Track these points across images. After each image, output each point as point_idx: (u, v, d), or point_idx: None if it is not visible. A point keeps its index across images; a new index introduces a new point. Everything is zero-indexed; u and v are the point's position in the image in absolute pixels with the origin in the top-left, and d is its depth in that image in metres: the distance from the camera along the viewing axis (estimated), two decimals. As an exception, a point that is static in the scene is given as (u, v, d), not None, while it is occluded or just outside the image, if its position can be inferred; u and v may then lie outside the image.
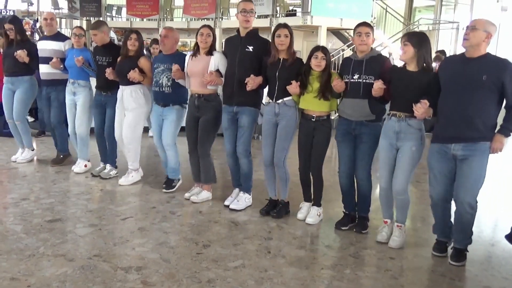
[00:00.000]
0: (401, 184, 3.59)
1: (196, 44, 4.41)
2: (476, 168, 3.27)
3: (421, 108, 3.33)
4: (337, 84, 3.78)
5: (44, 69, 5.41)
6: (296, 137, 4.14)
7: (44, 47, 5.43)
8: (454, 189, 3.38)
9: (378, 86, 3.55)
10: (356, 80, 3.77)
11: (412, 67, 3.53)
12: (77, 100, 5.30)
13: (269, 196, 4.37)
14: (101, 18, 17.46)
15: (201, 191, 4.63)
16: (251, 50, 4.16)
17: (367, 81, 3.72)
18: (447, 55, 8.87)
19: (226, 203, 4.46)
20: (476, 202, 3.33)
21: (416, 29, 13.64)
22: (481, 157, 3.27)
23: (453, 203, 3.46)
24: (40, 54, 5.43)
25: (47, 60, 5.32)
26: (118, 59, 4.91)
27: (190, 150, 4.61)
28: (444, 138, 3.37)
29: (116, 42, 12.41)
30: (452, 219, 3.51)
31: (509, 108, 3.28)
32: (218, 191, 4.81)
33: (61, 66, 5.28)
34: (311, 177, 4.13)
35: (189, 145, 4.61)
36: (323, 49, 3.93)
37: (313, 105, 3.96)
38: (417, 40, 3.49)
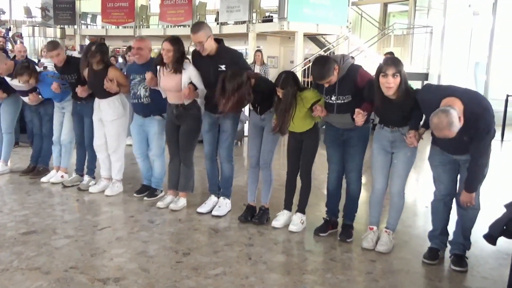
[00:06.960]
0: (398, 188, 3.65)
1: (160, 54, 4.24)
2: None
3: (360, 119, 3.46)
4: (318, 111, 3.68)
5: (27, 100, 5.38)
6: (281, 140, 4.11)
7: (15, 83, 5.24)
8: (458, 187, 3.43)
9: (360, 120, 3.49)
10: (334, 102, 3.69)
11: (393, 96, 3.36)
12: (66, 112, 5.27)
13: (248, 201, 4.34)
14: (75, 26, 17.29)
15: (174, 199, 4.55)
16: (223, 68, 4.05)
17: (344, 101, 3.65)
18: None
19: (199, 210, 4.40)
20: (479, 204, 3.40)
21: (391, 34, 13.88)
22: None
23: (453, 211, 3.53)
24: (16, 88, 5.33)
25: (26, 93, 5.28)
26: (85, 73, 4.77)
27: (171, 158, 4.56)
28: (443, 149, 3.40)
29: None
30: (449, 227, 3.58)
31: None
32: (198, 198, 4.76)
33: (40, 97, 5.27)
34: (301, 182, 4.07)
35: (170, 153, 4.56)
36: (282, 83, 3.71)
37: (294, 128, 3.91)
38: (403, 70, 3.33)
